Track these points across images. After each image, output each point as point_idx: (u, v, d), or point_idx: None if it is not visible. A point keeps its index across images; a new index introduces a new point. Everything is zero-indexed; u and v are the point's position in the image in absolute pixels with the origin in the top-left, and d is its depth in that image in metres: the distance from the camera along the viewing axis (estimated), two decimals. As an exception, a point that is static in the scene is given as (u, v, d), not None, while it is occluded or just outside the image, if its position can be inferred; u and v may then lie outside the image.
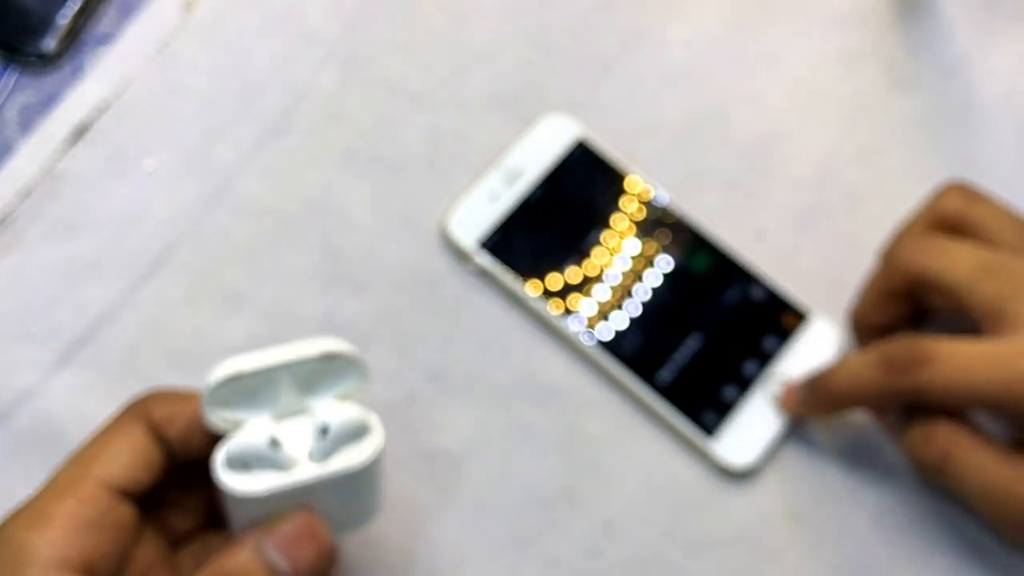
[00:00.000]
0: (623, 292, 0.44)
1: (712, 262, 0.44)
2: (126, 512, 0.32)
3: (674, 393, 0.42)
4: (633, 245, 0.44)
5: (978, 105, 0.46)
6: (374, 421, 0.33)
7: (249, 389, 0.32)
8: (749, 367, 0.43)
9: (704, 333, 0.43)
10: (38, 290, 0.44)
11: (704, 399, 0.42)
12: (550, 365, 0.43)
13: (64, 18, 0.47)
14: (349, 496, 0.34)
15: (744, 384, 0.42)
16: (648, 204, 0.45)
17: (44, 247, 0.44)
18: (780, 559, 0.41)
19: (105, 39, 0.48)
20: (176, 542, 0.35)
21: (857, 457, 0.42)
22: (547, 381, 0.43)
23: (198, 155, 0.46)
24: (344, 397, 0.33)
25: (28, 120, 0.46)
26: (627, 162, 0.46)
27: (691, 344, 0.43)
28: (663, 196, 0.45)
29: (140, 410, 0.33)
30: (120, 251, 0.44)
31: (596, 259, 0.44)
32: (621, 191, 0.45)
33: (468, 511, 0.41)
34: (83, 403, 0.41)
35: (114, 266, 0.44)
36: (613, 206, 0.45)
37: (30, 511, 0.31)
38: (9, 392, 0.41)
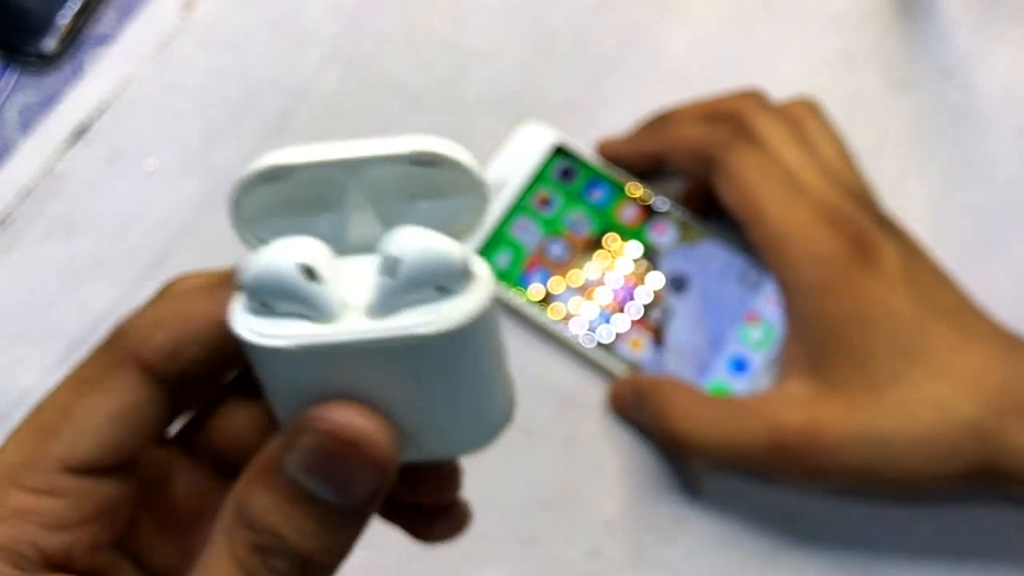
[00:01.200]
0: (625, 295, 0.44)
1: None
2: (109, 490, 0.24)
3: None
4: (634, 247, 0.44)
5: (978, 105, 0.46)
6: (478, 264, 0.22)
7: (301, 200, 0.23)
8: (755, 354, 0.43)
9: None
10: (38, 290, 0.44)
11: (712, 389, 0.42)
12: (550, 367, 0.43)
13: (64, 18, 0.47)
14: (440, 386, 0.23)
15: (752, 371, 0.42)
16: (647, 207, 0.45)
17: (44, 247, 0.44)
18: (780, 558, 0.41)
19: (105, 39, 0.48)
20: (229, 467, 0.27)
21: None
22: (547, 383, 0.43)
23: (198, 155, 0.46)
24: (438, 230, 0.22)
25: (28, 120, 0.46)
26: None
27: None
28: (661, 199, 0.45)
29: (124, 349, 0.24)
30: (120, 251, 0.44)
31: (597, 261, 0.44)
32: (618, 193, 0.45)
33: (468, 511, 0.41)
34: (83, 403, 0.41)
35: (114, 266, 0.44)
36: (607, 208, 0.45)
37: None
38: (9, 392, 0.41)
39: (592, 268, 0.44)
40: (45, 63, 0.47)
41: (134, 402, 0.24)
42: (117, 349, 0.24)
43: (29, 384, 0.42)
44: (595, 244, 0.44)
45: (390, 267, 0.21)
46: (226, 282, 0.25)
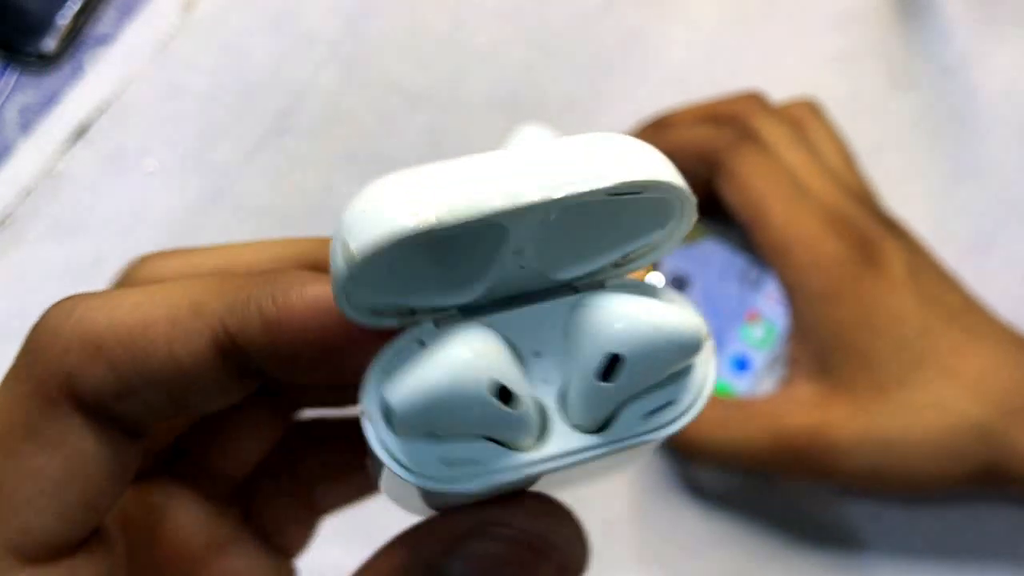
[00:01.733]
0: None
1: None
2: (90, 567, 0.19)
3: None
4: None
5: (978, 105, 0.46)
6: (703, 327, 0.17)
7: (437, 255, 0.16)
8: (757, 353, 0.43)
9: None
10: (38, 290, 0.44)
11: (715, 388, 0.42)
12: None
13: (64, 18, 0.47)
14: (612, 463, 0.18)
15: (754, 369, 0.42)
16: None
17: (44, 247, 0.44)
18: (780, 558, 0.41)
19: (105, 39, 0.48)
20: (231, 493, 0.24)
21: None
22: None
23: (198, 155, 0.46)
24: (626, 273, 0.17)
25: (28, 120, 0.46)
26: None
27: None
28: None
29: (56, 382, 0.18)
30: (120, 251, 0.44)
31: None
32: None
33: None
34: (83, 403, 0.41)
35: (114, 266, 0.44)
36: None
37: None
38: (9, 392, 0.41)
39: None
40: (45, 63, 0.47)
41: (85, 455, 0.18)
42: (42, 380, 0.18)
43: (29, 384, 0.42)
44: None
45: (604, 367, 0.15)
46: (223, 294, 0.18)
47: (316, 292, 0.17)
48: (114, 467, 0.18)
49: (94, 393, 0.18)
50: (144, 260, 0.21)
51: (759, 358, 0.43)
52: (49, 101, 0.47)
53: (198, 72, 0.47)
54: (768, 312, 0.43)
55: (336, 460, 0.25)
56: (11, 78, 0.47)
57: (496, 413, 0.15)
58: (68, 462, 0.18)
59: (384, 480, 0.18)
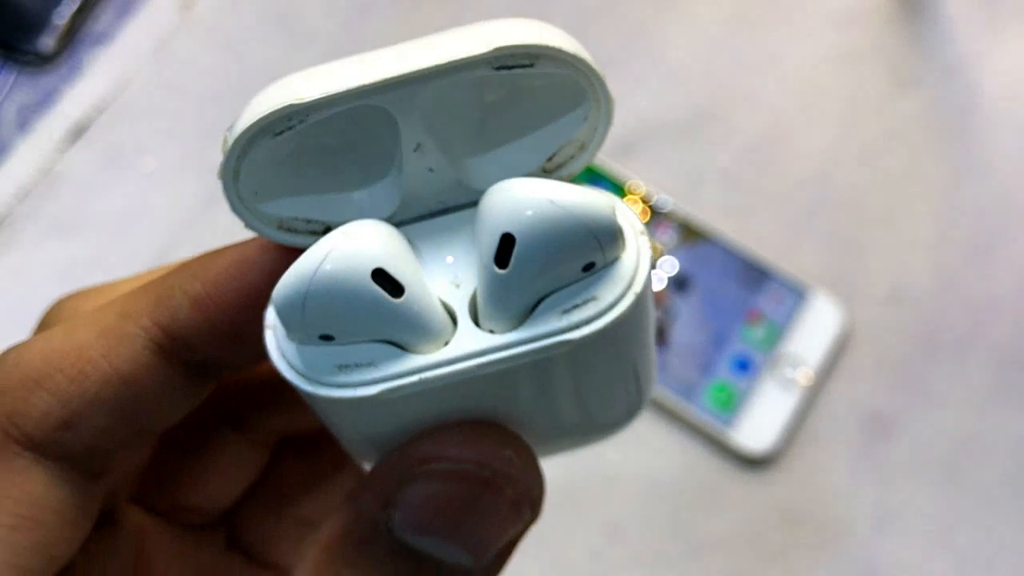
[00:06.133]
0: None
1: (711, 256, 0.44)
2: None
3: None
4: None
5: (979, 104, 0.46)
6: (625, 215, 0.16)
7: (327, 152, 0.16)
8: (758, 353, 0.43)
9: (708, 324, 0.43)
10: (36, 290, 0.43)
11: (715, 388, 0.42)
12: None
13: (62, 17, 0.47)
14: (582, 387, 0.17)
15: (755, 370, 0.43)
16: (649, 207, 0.45)
17: (42, 247, 0.44)
18: (780, 558, 0.41)
19: (103, 38, 0.48)
20: (214, 521, 0.23)
21: (857, 455, 0.42)
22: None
23: (196, 154, 0.46)
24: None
25: (26, 120, 0.46)
26: (605, 158, 0.46)
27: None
28: (665, 198, 0.45)
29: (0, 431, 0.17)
30: (119, 250, 0.44)
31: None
32: (617, 192, 0.45)
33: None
34: (81, 404, 0.41)
35: (113, 265, 0.44)
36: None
37: None
38: (7, 393, 0.41)
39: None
40: (43, 62, 0.47)
41: (34, 497, 0.17)
42: None
43: (27, 384, 0.41)
44: None
45: (498, 251, 0.14)
46: (147, 295, 0.17)
47: (233, 254, 0.17)
48: (69, 510, 0.17)
49: (39, 427, 0.17)
50: (61, 301, 0.20)
51: (760, 359, 0.43)
52: (47, 100, 0.47)
53: (197, 71, 0.47)
54: (770, 312, 0.43)
55: (315, 470, 0.24)
56: (9, 77, 0.47)
57: (385, 306, 0.14)
58: (17, 506, 0.17)
59: (336, 432, 0.17)
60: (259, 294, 0.17)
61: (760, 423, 0.42)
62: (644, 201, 0.45)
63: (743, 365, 0.43)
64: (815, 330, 0.43)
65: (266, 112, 0.15)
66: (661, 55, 0.48)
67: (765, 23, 0.49)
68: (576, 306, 0.15)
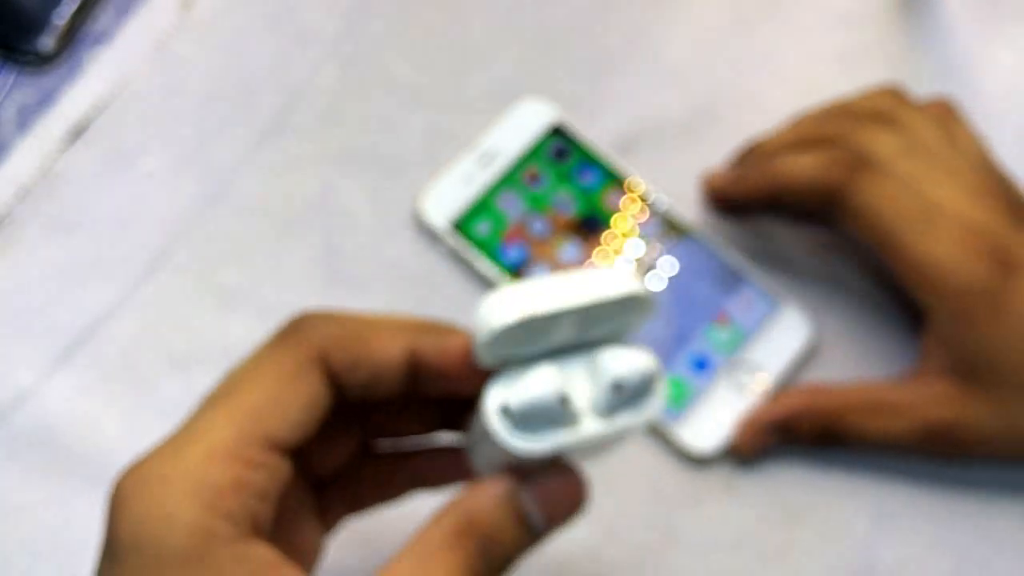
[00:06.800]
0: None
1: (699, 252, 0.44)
2: (287, 470, 0.27)
3: None
4: (637, 246, 0.44)
5: (979, 104, 0.46)
6: (659, 369, 0.28)
7: (529, 329, 0.27)
8: (717, 355, 0.43)
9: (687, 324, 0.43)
10: (36, 290, 0.43)
11: (669, 383, 0.42)
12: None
13: (62, 17, 0.47)
14: (603, 443, 0.29)
15: (712, 370, 0.42)
16: (644, 200, 0.45)
17: (42, 247, 0.44)
18: (780, 559, 0.41)
19: (103, 38, 0.48)
20: (320, 484, 0.32)
21: (858, 455, 0.42)
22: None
23: (196, 154, 0.46)
24: (618, 335, 0.29)
25: (26, 119, 0.46)
26: (604, 149, 0.46)
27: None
28: (662, 198, 0.45)
29: (315, 350, 0.28)
30: (118, 251, 0.44)
31: (605, 245, 0.44)
32: (609, 180, 0.45)
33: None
34: (81, 403, 0.41)
35: (112, 266, 0.44)
36: (594, 192, 0.45)
37: (184, 472, 0.26)
38: (7, 392, 0.41)
39: (570, 250, 0.44)
40: (42, 62, 0.47)
41: (320, 399, 0.28)
42: (306, 348, 0.28)
43: (26, 384, 0.41)
44: (576, 227, 0.44)
45: (617, 386, 0.27)
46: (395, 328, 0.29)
47: (460, 340, 0.29)
48: (321, 412, 0.28)
49: (341, 366, 0.28)
50: (307, 318, 0.29)
51: (719, 361, 0.43)
52: (47, 100, 0.47)
53: (197, 71, 0.47)
54: (739, 316, 0.43)
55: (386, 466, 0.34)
56: (8, 77, 0.47)
57: (561, 413, 0.27)
58: (310, 400, 0.27)
59: (477, 456, 0.30)
60: (462, 369, 0.29)
61: (707, 424, 0.42)
62: (643, 199, 0.45)
63: (701, 364, 0.43)
64: (780, 341, 0.43)
65: (507, 321, 0.27)
66: (661, 55, 0.48)
67: (765, 23, 0.49)
68: (639, 414, 0.28)
